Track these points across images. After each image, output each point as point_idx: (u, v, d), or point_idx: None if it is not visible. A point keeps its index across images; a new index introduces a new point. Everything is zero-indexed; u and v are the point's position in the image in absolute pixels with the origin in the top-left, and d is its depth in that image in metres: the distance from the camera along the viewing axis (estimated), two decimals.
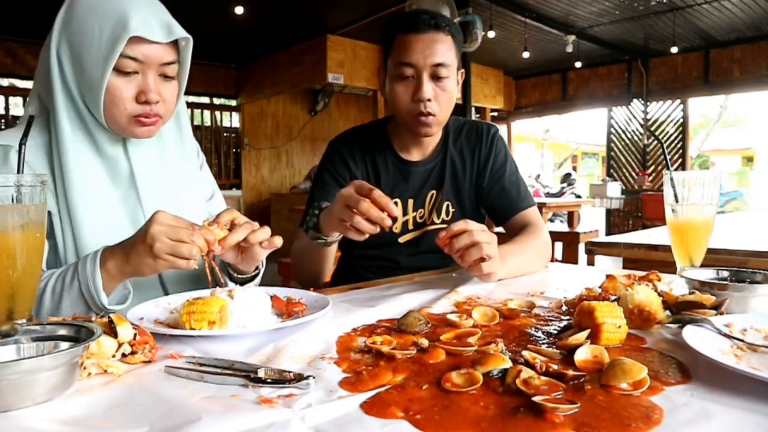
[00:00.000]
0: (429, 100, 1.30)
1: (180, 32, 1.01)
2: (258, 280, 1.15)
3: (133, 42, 0.95)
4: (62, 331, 0.64)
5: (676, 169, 1.11)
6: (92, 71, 0.96)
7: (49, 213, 1.01)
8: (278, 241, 0.99)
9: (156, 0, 1.03)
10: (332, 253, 1.31)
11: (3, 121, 6.11)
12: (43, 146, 1.03)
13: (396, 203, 1.37)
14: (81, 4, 0.98)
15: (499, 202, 1.48)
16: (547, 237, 1.40)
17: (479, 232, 1.08)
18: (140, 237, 0.85)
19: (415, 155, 1.46)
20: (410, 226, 1.46)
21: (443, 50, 1.30)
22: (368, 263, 1.49)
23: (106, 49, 0.94)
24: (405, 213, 1.46)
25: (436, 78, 1.31)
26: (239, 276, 1.10)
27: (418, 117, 1.32)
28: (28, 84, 7.78)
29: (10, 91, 6.56)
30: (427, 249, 1.44)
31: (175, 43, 1.03)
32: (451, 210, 1.48)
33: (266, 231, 0.97)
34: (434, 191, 1.47)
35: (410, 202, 1.46)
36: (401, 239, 1.44)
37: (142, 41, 0.96)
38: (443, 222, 1.47)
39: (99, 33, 0.95)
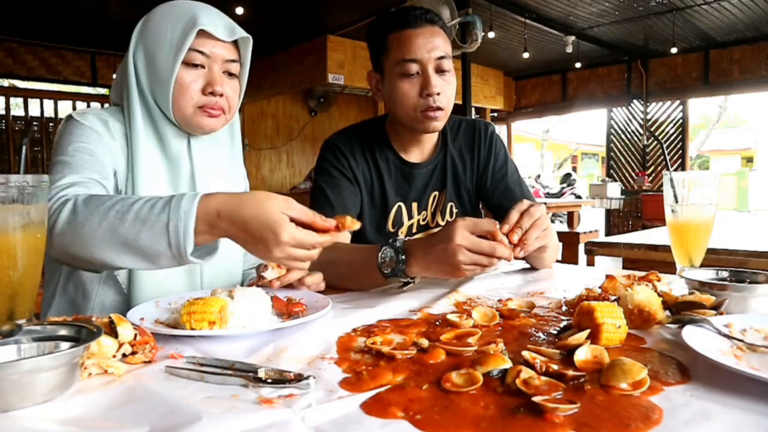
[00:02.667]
0: (438, 93, 1.29)
1: (241, 32, 1.10)
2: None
3: (201, 37, 1.05)
4: (63, 332, 0.64)
5: (675, 170, 1.11)
6: (163, 65, 1.05)
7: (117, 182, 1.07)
8: (323, 286, 1.08)
9: (219, 10, 1.13)
10: None
11: (3, 121, 6.11)
12: (123, 133, 1.09)
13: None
14: (156, 15, 1.09)
15: (505, 202, 1.46)
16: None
17: (545, 221, 1.07)
18: (262, 236, 0.78)
19: (414, 156, 1.44)
20: (414, 230, 1.45)
21: (442, 43, 1.30)
22: None
23: (177, 43, 1.04)
24: (410, 217, 1.44)
25: (440, 71, 1.30)
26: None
27: (426, 112, 1.30)
28: (28, 84, 7.79)
29: (10, 92, 6.55)
30: None
31: (236, 47, 1.12)
32: (455, 211, 1.47)
33: (318, 276, 1.07)
34: (437, 192, 1.46)
35: (414, 205, 1.44)
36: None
37: (209, 37, 1.06)
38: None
39: (171, 32, 1.05)
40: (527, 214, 1.04)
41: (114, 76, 1.18)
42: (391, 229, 1.43)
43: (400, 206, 1.43)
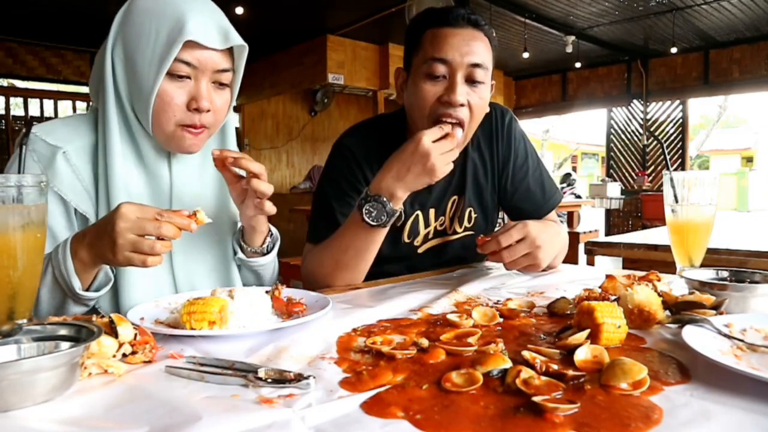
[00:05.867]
0: (462, 105, 1.13)
1: (236, 39, 0.98)
2: (276, 249, 1.16)
3: (189, 46, 0.93)
4: (63, 331, 0.64)
5: (675, 170, 1.11)
6: (145, 75, 0.94)
7: (85, 218, 0.99)
8: (269, 189, 1.00)
9: (214, 5, 1.01)
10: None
11: (3, 121, 6.11)
12: (90, 149, 1.00)
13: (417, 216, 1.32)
14: (138, 7, 0.96)
15: (525, 205, 1.38)
16: (566, 234, 1.36)
17: (538, 238, 1.09)
18: (105, 229, 0.82)
19: None
20: (430, 236, 1.36)
21: (481, 50, 1.15)
22: (390, 270, 1.33)
23: (161, 52, 0.92)
24: (427, 224, 1.34)
25: (471, 81, 1.14)
26: (251, 249, 1.12)
27: (442, 122, 1.13)
28: (28, 84, 7.79)
29: (10, 92, 6.56)
30: (451, 258, 1.37)
31: (230, 50, 1.01)
32: (474, 216, 1.37)
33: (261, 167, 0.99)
34: (456, 197, 1.35)
35: (431, 211, 1.34)
36: (420, 249, 1.36)
37: (198, 46, 0.94)
38: (465, 230, 1.37)
39: (155, 36, 0.93)
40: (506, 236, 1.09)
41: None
42: (407, 240, 1.34)
43: (417, 215, 1.32)
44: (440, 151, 1.06)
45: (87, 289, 0.91)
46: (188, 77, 0.96)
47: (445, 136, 1.08)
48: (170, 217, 0.82)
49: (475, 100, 1.15)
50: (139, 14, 0.96)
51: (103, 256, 0.85)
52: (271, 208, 1.03)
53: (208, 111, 0.98)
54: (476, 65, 1.14)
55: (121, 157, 0.99)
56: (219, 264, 1.13)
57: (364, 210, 1.08)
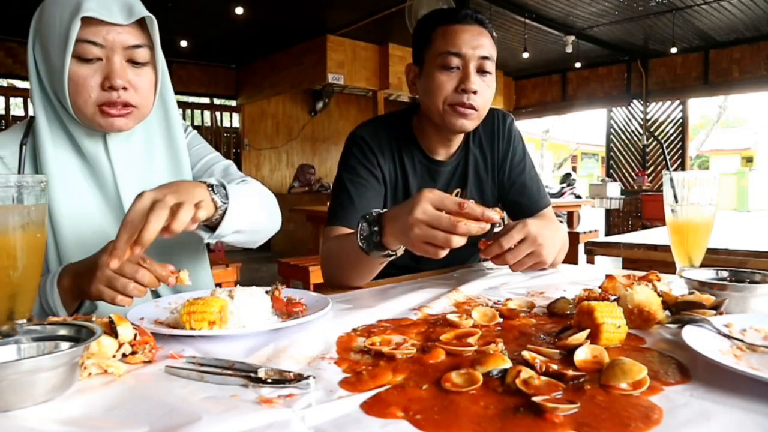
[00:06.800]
0: (475, 92, 1.25)
1: (141, 11, 0.96)
2: (230, 204, 0.93)
3: (92, 25, 0.92)
4: (63, 331, 0.64)
5: (675, 170, 1.11)
6: (55, 60, 0.93)
7: None
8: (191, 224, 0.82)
9: None
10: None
11: (3, 121, 6.11)
12: (33, 147, 1.01)
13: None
14: (48, 1, 0.96)
15: (521, 199, 1.46)
16: (566, 233, 1.38)
17: (540, 236, 1.08)
18: (92, 261, 0.86)
19: (441, 154, 1.40)
20: None
21: (488, 45, 1.28)
22: (389, 270, 1.28)
23: (64, 34, 0.91)
24: None
25: (481, 72, 1.27)
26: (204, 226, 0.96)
27: (457, 107, 1.26)
28: (28, 84, 7.79)
29: (10, 92, 6.57)
30: (452, 252, 1.39)
31: (143, 28, 0.98)
32: None
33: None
34: (459, 189, 1.44)
35: None
36: None
37: (101, 24, 0.92)
38: None
39: (59, 21, 0.92)
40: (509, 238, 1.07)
41: None
42: None
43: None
44: (431, 217, 0.87)
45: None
46: (99, 59, 0.94)
47: (454, 208, 0.88)
48: (152, 265, 0.84)
49: (484, 89, 1.29)
50: (48, 6, 0.96)
51: (80, 285, 0.88)
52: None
53: (126, 89, 0.96)
54: (485, 57, 1.27)
55: (53, 149, 0.99)
56: (190, 254, 1.13)
57: (359, 224, 1.01)
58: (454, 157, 1.43)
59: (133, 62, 0.97)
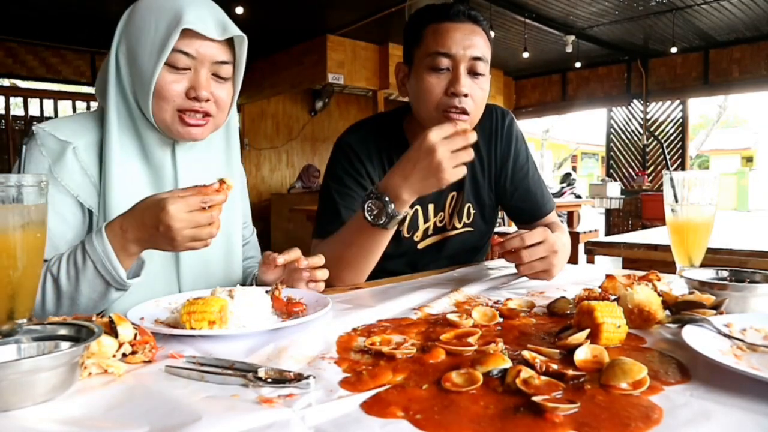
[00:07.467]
0: (465, 95, 1.18)
1: (234, 30, 1.00)
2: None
3: (187, 37, 0.96)
4: (63, 331, 0.64)
5: (675, 170, 1.11)
6: (145, 65, 0.96)
7: (91, 212, 1.02)
8: (324, 274, 1.03)
9: (212, 1, 1.03)
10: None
11: (3, 121, 6.11)
12: (97, 145, 1.02)
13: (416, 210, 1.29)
14: (140, 6, 1.00)
15: (524, 205, 1.40)
16: (569, 240, 1.35)
17: (557, 243, 1.08)
18: (157, 229, 0.85)
19: None
20: (430, 232, 1.38)
21: (481, 44, 1.20)
22: (389, 276, 1.32)
23: (160, 42, 0.95)
24: (426, 219, 1.36)
25: (473, 73, 1.20)
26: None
27: (448, 112, 1.18)
28: (28, 84, 7.79)
29: (10, 92, 6.55)
30: (450, 254, 1.39)
31: (230, 45, 1.03)
32: (472, 212, 1.40)
33: (320, 257, 1.02)
34: (455, 193, 1.38)
35: (431, 207, 1.36)
36: (420, 245, 1.37)
37: (196, 37, 0.96)
38: (464, 225, 1.40)
39: (155, 29, 0.96)
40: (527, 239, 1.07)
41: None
42: (407, 234, 1.35)
43: (416, 210, 1.35)
44: (448, 148, 1.00)
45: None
46: (188, 69, 0.98)
47: (456, 134, 1.02)
48: (212, 200, 0.86)
49: (476, 92, 1.20)
50: (140, 11, 0.99)
51: (159, 246, 0.89)
52: (322, 285, 1.06)
53: (208, 101, 1.00)
54: (477, 58, 1.19)
55: (119, 151, 1.01)
56: (225, 257, 1.15)
57: (366, 207, 1.05)
58: None
59: (217, 76, 1.02)
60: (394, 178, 1.04)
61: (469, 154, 1.03)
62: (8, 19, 5.99)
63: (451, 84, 1.18)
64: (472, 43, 1.19)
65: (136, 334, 0.67)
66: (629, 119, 8.99)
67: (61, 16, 5.93)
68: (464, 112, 1.19)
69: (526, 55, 7.20)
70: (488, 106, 1.37)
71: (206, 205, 0.86)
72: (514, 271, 1.28)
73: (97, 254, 0.88)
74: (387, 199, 1.03)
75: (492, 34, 1.29)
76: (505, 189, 1.41)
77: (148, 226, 0.86)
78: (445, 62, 1.18)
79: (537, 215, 1.41)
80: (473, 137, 1.03)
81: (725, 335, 0.67)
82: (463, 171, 1.03)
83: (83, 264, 0.89)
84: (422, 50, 1.22)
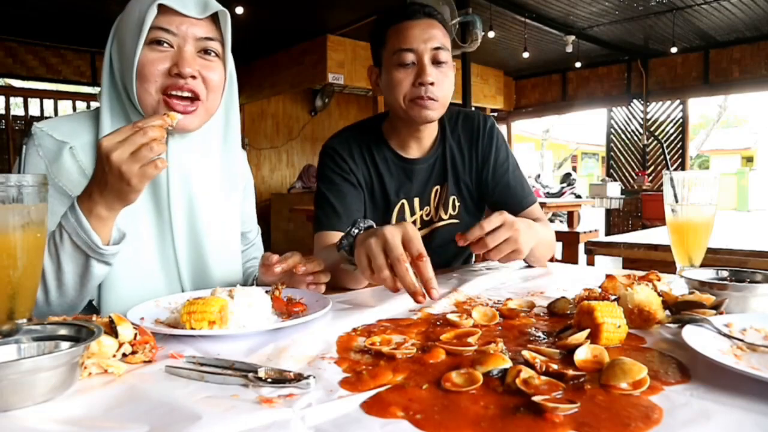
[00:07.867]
0: (432, 84, 1.28)
1: (216, 6, 0.98)
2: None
3: (167, 14, 0.94)
4: (63, 331, 0.64)
5: (675, 169, 1.11)
6: (128, 47, 0.95)
7: None
8: (325, 278, 1.02)
9: None
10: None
11: (3, 121, 6.11)
12: (95, 143, 1.01)
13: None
14: (129, 3, 0.99)
15: (506, 199, 1.46)
16: (552, 231, 1.42)
17: (516, 222, 1.08)
18: (104, 173, 0.82)
19: (413, 152, 1.43)
20: (418, 225, 1.44)
21: (439, 35, 1.31)
22: None
23: (138, 22, 0.93)
24: (413, 213, 1.44)
25: (436, 63, 1.30)
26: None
27: (417, 100, 1.29)
28: (28, 84, 7.79)
29: (10, 92, 6.56)
30: (438, 245, 1.43)
31: (216, 24, 1.00)
32: (457, 204, 1.47)
33: (319, 262, 1.00)
34: (438, 186, 1.45)
35: (416, 200, 1.44)
36: None
37: (176, 14, 0.95)
38: (450, 217, 1.47)
39: (138, 13, 0.95)
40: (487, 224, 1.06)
41: None
42: None
43: (403, 204, 1.43)
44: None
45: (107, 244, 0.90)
46: (170, 45, 0.96)
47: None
48: (145, 122, 0.81)
49: (442, 78, 1.31)
50: (128, 6, 0.99)
51: (121, 195, 0.84)
52: (323, 287, 1.05)
53: (195, 78, 0.97)
54: (438, 48, 1.30)
55: None
56: (225, 257, 1.14)
57: (349, 230, 1.04)
58: (430, 155, 1.44)
59: (205, 52, 0.99)
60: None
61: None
62: (8, 18, 6.00)
63: (418, 75, 1.29)
64: (430, 35, 1.29)
65: (136, 334, 0.67)
66: (629, 119, 8.99)
67: (61, 15, 5.93)
68: (432, 98, 1.29)
69: (526, 55, 7.20)
70: (472, 112, 1.51)
71: (141, 127, 0.80)
72: (514, 270, 1.28)
73: (70, 224, 0.86)
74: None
75: (448, 23, 1.38)
76: (487, 183, 1.48)
77: (100, 177, 0.83)
78: (409, 57, 1.29)
79: (518, 208, 1.46)
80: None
81: (725, 335, 0.67)
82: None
83: (60, 238, 0.88)
84: (388, 50, 1.33)
